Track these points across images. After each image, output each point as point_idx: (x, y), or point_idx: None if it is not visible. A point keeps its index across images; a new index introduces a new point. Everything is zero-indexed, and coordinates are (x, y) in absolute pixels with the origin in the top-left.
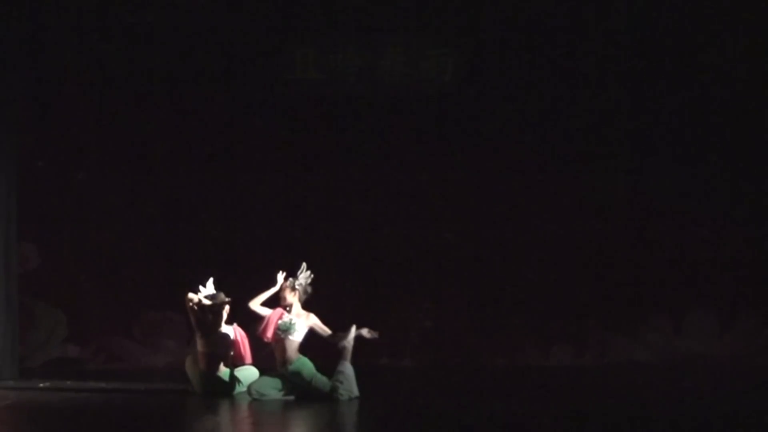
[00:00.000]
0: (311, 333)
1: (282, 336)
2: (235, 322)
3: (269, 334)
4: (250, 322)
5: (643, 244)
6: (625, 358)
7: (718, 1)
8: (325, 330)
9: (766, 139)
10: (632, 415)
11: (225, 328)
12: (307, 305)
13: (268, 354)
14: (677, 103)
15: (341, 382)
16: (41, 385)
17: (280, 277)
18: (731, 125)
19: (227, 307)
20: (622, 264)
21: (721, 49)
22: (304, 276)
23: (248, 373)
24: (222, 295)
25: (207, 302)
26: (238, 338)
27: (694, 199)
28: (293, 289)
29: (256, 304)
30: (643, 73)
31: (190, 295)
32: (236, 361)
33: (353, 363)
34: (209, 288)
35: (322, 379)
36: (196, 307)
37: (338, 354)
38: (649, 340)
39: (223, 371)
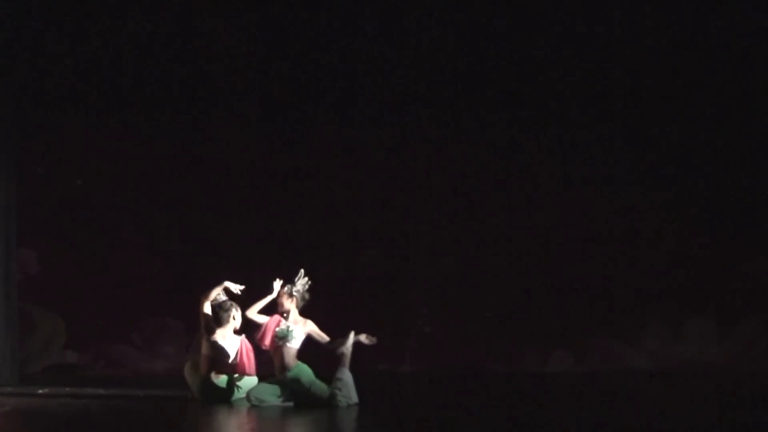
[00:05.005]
0: (309, 339)
1: (280, 343)
2: (243, 334)
3: (267, 341)
4: (248, 330)
5: (642, 251)
6: (625, 364)
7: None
8: (323, 336)
9: (766, 145)
10: (631, 422)
11: (232, 338)
12: (304, 312)
13: (267, 361)
14: (679, 104)
15: (340, 389)
16: (40, 391)
17: (277, 284)
18: (732, 128)
19: (236, 317)
20: (622, 270)
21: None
22: (301, 283)
23: (247, 379)
24: (229, 304)
25: (222, 298)
26: (243, 350)
27: (693, 205)
28: (291, 295)
29: (253, 312)
30: (646, 74)
31: (213, 292)
32: (238, 371)
33: (352, 369)
34: (221, 295)
35: (321, 386)
36: (209, 305)
37: (337, 360)
38: (648, 346)
39: (222, 378)
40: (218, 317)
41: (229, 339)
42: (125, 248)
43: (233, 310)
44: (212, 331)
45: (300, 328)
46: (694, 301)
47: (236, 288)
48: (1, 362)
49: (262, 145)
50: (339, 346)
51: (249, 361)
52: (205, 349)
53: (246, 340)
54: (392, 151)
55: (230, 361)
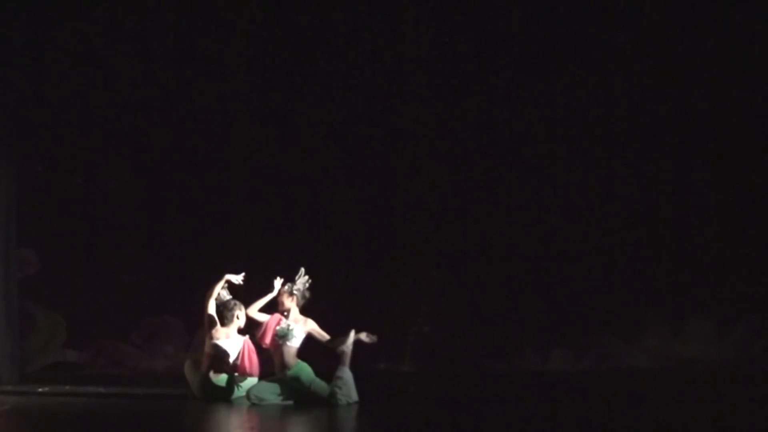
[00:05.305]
0: (309, 338)
1: (280, 342)
2: (247, 335)
3: (267, 340)
4: (249, 329)
5: (642, 250)
6: (625, 363)
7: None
8: (323, 335)
9: (766, 145)
10: (631, 422)
11: (235, 337)
12: (305, 310)
13: (267, 359)
14: (680, 105)
15: (340, 387)
16: (40, 389)
17: (278, 282)
18: (732, 128)
19: (239, 316)
20: (622, 269)
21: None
22: (302, 281)
23: (248, 378)
24: (233, 303)
25: (226, 297)
26: (246, 351)
27: (693, 204)
28: (291, 294)
29: (253, 311)
30: (646, 75)
31: (216, 288)
32: (238, 372)
33: (352, 368)
34: (225, 294)
35: (320, 384)
36: (213, 303)
37: (337, 359)
38: (648, 345)
39: (222, 376)
40: (222, 316)
41: (232, 339)
42: (125, 248)
43: (237, 309)
44: (215, 330)
45: (300, 327)
46: (694, 301)
47: (237, 279)
48: (1, 361)
49: (262, 145)
50: (339, 344)
51: (251, 362)
52: (207, 347)
53: (249, 341)
54: (393, 150)
55: (231, 360)
